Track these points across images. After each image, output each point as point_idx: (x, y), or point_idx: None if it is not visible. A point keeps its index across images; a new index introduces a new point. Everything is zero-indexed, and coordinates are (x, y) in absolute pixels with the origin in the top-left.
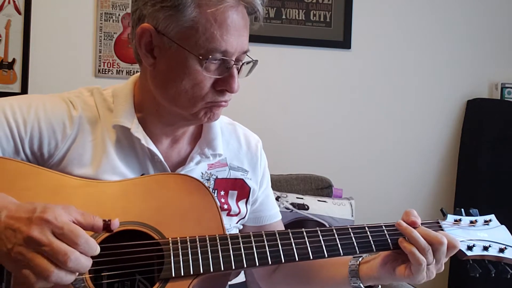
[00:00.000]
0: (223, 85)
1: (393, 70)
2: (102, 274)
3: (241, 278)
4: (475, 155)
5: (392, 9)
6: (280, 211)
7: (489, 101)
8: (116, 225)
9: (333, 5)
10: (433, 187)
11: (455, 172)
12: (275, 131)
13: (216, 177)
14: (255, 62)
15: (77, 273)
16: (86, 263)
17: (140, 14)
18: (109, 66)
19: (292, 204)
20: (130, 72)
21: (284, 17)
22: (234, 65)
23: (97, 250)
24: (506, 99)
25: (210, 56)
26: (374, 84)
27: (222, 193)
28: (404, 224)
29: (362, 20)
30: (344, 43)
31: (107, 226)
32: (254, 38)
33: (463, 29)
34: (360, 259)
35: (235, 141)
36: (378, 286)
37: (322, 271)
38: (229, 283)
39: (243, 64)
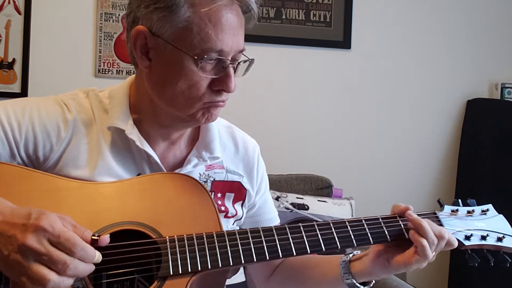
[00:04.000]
0: (219, 85)
1: (393, 70)
2: (101, 274)
3: (241, 278)
4: (475, 155)
5: (392, 9)
6: (280, 211)
7: (489, 101)
8: (105, 241)
9: (333, 5)
10: (433, 187)
11: (455, 172)
12: (275, 131)
13: (214, 179)
14: (251, 61)
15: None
16: (86, 268)
17: (134, 16)
18: (109, 66)
19: (292, 204)
20: (130, 72)
21: (284, 17)
22: (230, 65)
23: (96, 256)
24: (506, 99)
25: (206, 56)
26: (374, 84)
27: (219, 195)
28: (414, 215)
29: (362, 20)
30: (344, 43)
31: (94, 242)
32: (254, 38)
33: (463, 29)
34: (351, 255)
35: (232, 145)
36: (372, 282)
37: (316, 269)
38: (229, 283)
39: (239, 63)
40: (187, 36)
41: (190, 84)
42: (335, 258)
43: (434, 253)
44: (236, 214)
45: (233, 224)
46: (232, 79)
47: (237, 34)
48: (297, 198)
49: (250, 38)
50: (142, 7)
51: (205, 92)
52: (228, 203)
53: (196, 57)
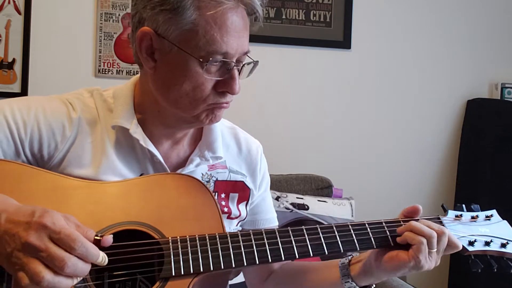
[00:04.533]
0: (224, 86)
1: (393, 70)
2: (104, 274)
3: (240, 278)
4: (475, 155)
5: (392, 9)
6: (280, 211)
7: (489, 101)
8: (108, 242)
9: (333, 5)
10: (433, 187)
11: (455, 172)
12: (275, 131)
13: (216, 179)
14: (256, 63)
15: (77, 278)
16: (84, 267)
17: (140, 17)
18: (109, 66)
19: (292, 204)
20: (130, 72)
21: (284, 17)
22: (235, 67)
23: (100, 257)
24: (506, 99)
25: (211, 59)
26: (374, 84)
27: (223, 195)
28: (401, 228)
29: (362, 20)
30: (344, 43)
31: (97, 242)
32: (254, 38)
33: (463, 29)
34: (350, 257)
35: (235, 145)
36: (372, 286)
37: (314, 273)
38: (229, 283)
39: (244, 65)
40: (192, 38)
41: (194, 86)
42: (334, 262)
43: (435, 250)
44: (240, 215)
45: (236, 225)
46: (236, 81)
47: (242, 37)
48: (297, 198)
49: (250, 38)
50: (148, 8)
51: (210, 94)
52: (232, 204)
53: (201, 59)
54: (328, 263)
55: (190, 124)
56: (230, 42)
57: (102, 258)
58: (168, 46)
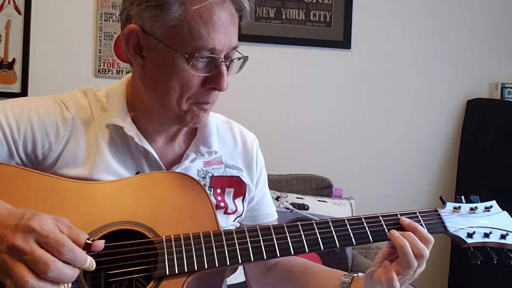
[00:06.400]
0: (212, 83)
1: (393, 70)
2: (100, 274)
3: (241, 278)
4: (475, 155)
5: (392, 9)
6: (280, 211)
7: (489, 101)
8: (98, 247)
9: (333, 5)
10: (433, 187)
11: (455, 172)
12: (275, 131)
13: (212, 174)
14: (245, 58)
15: (62, 284)
16: (70, 273)
17: (127, 14)
18: (109, 66)
19: (292, 204)
20: (130, 72)
21: (284, 17)
22: (223, 62)
23: (87, 262)
24: (506, 99)
25: (197, 54)
26: (374, 84)
27: (219, 191)
28: (407, 221)
29: (362, 20)
30: (344, 43)
31: (88, 246)
32: (255, 38)
33: (463, 29)
34: (354, 275)
35: (231, 139)
36: None
37: (316, 278)
38: (229, 283)
39: (232, 60)
40: (178, 34)
41: (182, 83)
42: (337, 273)
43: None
44: (236, 210)
45: (233, 221)
46: (224, 78)
47: (230, 32)
48: (297, 198)
49: (250, 38)
50: (134, 5)
51: (196, 91)
52: (228, 199)
53: (187, 56)
54: (330, 273)
55: (175, 124)
56: (217, 38)
57: (89, 263)
58: (154, 43)
